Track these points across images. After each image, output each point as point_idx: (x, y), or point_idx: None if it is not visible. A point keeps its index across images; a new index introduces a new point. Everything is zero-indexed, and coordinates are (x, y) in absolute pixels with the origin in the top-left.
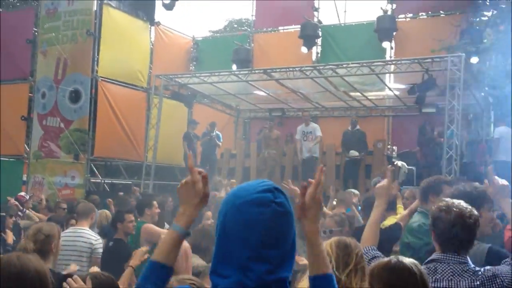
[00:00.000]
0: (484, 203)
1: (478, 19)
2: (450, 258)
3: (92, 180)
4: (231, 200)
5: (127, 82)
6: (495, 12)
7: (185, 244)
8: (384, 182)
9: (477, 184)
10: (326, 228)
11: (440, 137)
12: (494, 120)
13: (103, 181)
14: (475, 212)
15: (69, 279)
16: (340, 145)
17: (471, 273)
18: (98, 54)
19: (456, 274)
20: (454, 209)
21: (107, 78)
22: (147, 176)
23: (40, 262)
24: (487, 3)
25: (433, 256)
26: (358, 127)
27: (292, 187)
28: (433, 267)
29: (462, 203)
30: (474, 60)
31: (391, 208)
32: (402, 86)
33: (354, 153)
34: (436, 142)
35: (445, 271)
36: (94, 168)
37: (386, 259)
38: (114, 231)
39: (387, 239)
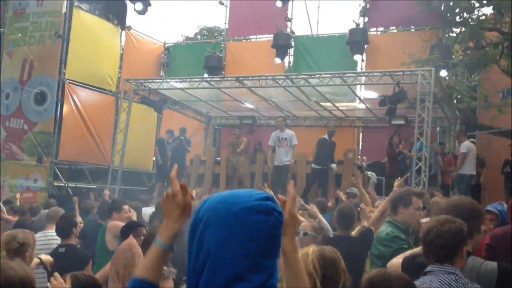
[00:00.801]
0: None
1: (447, 35)
2: (438, 269)
3: (55, 184)
4: (221, 208)
5: (96, 85)
6: (463, 29)
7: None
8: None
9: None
10: (301, 230)
11: (403, 148)
12: (457, 135)
13: (66, 184)
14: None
15: (52, 279)
16: (313, 153)
17: (461, 284)
18: (66, 57)
19: (444, 284)
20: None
21: (74, 81)
22: (113, 180)
23: (25, 268)
24: (457, 20)
25: (428, 268)
26: (332, 138)
27: (271, 192)
28: (423, 280)
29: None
30: (443, 73)
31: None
32: (373, 97)
33: (334, 167)
34: (403, 153)
35: (433, 281)
36: (58, 172)
37: (373, 270)
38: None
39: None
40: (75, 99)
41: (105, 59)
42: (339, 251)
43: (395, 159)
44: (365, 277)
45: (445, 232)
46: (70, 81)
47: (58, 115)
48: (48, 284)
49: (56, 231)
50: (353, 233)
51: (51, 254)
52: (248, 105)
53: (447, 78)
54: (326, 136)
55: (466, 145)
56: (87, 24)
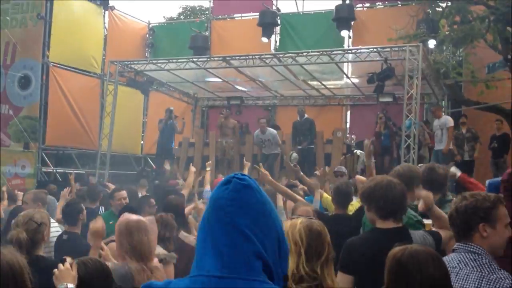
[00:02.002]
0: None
1: (433, 10)
2: (461, 247)
3: (43, 170)
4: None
5: (80, 68)
6: (450, 3)
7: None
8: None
9: None
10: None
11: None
12: (434, 110)
13: (55, 170)
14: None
15: (59, 264)
16: (291, 137)
17: (478, 264)
18: (49, 39)
19: (461, 263)
20: None
21: (59, 64)
22: (102, 165)
23: (15, 255)
24: None
25: (454, 246)
26: (306, 116)
27: (264, 171)
28: (446, 258)
29: None
30: (431, 43)
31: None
32: (361, 75)
33: (295, 156)
34: (393, 131)
35: (453, 259)
36: (46, 157)
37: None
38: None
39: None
40: (60, 82)
41: (89, 40)
42: (336, 229)
43: (378, 137)
44: (389, 255)
45: (460, 207)
46: (54, 64)
47: (43, 99)
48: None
49: (63, 218)
50: None
51: (55, 242)
52: (238, 86)
53: (434, 53)
54: (297, 118)
55: (450, 119)
56: (70, 5)
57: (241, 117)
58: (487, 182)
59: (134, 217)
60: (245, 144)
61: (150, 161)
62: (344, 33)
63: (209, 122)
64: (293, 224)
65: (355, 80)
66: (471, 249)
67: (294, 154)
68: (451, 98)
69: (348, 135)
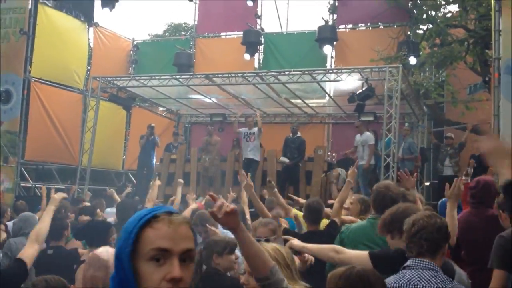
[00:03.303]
0: None
1: (414, 32)
2: (418, 264)
3: (22, 185)
4: None
5: (63, 83)
6: (430, 26)
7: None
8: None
9: None
10: (260, 236)
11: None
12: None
13: (34, 185)
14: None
15: None
16: (281, 151)
17: (440, 280)
18: (31, 54)
19: (423, 280)
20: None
21: (40, 79)
22: (81, 180)
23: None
24: (424, 18)
25: (407, 262)
26: (299, 134)
27: (250, 182)
28: (402, 274)
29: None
30: (412, 60)
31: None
32: (342, 95)
33: (284, 159)
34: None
35: (412, 277)
36: (25, 172)
37: (343, 268)
38: (58, 237)
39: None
40: (41, 97)
41: (72, 56)
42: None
43: None
44: (335, 275)
45: (431, 225)
46: (36, 79)
47: (24, 114)
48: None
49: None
50: None
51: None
52: (217, 101)
53: (415, 75)
54: (290, 134)
55: (372, 137)
56: (53, 21)
57: (223, 135)
58: (439, 201)
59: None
60: (227, 161)
61: (132, 177)
62: (327, 50)
63: (192, 138)
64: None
65: (337, 99)
66: (429, 266)
67: (283, 158)
68: (431, 118)
69: (329, 153)
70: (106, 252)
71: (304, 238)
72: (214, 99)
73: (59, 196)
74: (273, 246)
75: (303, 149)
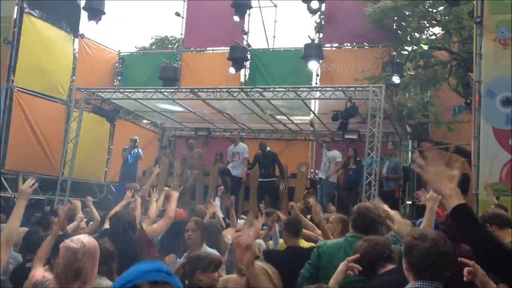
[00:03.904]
0: None
1: (399, 53)
2: (427, 285)
3: (2, 195)
4: None
5: (46, 93)
6: (415, 47)
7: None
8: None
9: None
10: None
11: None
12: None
13: (13, 196)
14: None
15: None
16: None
17: None
18: (15, 64)
19: None
20: (429, 237)
21: (24, 89)
22: (62, 191)
23: None
24: (409, 39)
25: (409, 285)
26: (268, 149)
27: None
28: None
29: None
30: (396, 79)
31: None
32: (327, 112)
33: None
34: (350, 167)
35: None
36: (5, 182)
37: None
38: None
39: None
40: (24, 107)
41: (56, 67)
42: (289, 260)
43: (347, 171)
44: None
45: (445, 253)
46: (19, 89)
47: (6, 124)
48: None
49: (24, 246)
50: None
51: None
52: (202, 116)
53: (398, 95)
54: (259, 151)
55: (339, 155)
56: (39, 31)
57: (208, 149)
58: (417, 221)
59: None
60: (210, 175)
61: (113, 189)
62: (313, 66)
63: (176, 152)
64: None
65: (322, 117)
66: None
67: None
68: (415, 137)
69: (312, 170)
70: (78, 240)
71: (284, 254)
72: (199, 114)
73: (27, 187)
74: (260, 265)
75: (278, 161)
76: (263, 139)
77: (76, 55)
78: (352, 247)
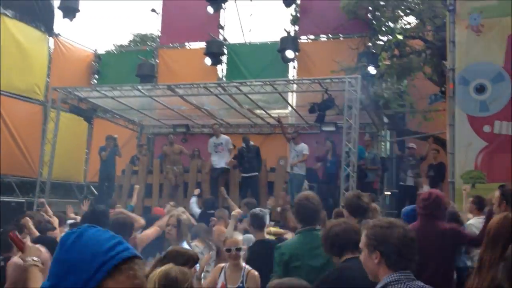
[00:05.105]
0: None
1: (374, 43)
2: (406, 276)
3: None
4: None
5: (22, 94)
6: (390, 37)
7: None
8: None
9: None
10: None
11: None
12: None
13: None
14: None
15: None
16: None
17: None
18: None
19: None
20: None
21: None
22: (41, 193)
23: None
24: (383, 29)
25: (385, 279)
26: (252, 143)
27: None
28: None
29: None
30: (372, 70)
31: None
32: (304, 105)
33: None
34: (328, 159)
35: None
36: None
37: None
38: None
39: None
40: (0, 109)
41: (32, 67)
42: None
43: (324, 164)
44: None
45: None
46: None
47: None
48: None
49: None
50: None
51: None
52: (180, 112)
53: (375, 86)
54: (243, 145)
55: (306, 148)
56: (13, 31)
57: (186, 146)
58: (403, 209)
59: None
60: (190, 172)
61: (93, 189)
62: (290, 53)
63: (155, 149)
64: (152, 275)
65: (299, 109)
66: (412, 277)
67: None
68: (391, 128)
69: None
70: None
71: (254, 247)
72: (176, 110)
73: None
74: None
75: (260, 157)
76: (241, 134)
77: (52, 55)
78: (310, 239)
